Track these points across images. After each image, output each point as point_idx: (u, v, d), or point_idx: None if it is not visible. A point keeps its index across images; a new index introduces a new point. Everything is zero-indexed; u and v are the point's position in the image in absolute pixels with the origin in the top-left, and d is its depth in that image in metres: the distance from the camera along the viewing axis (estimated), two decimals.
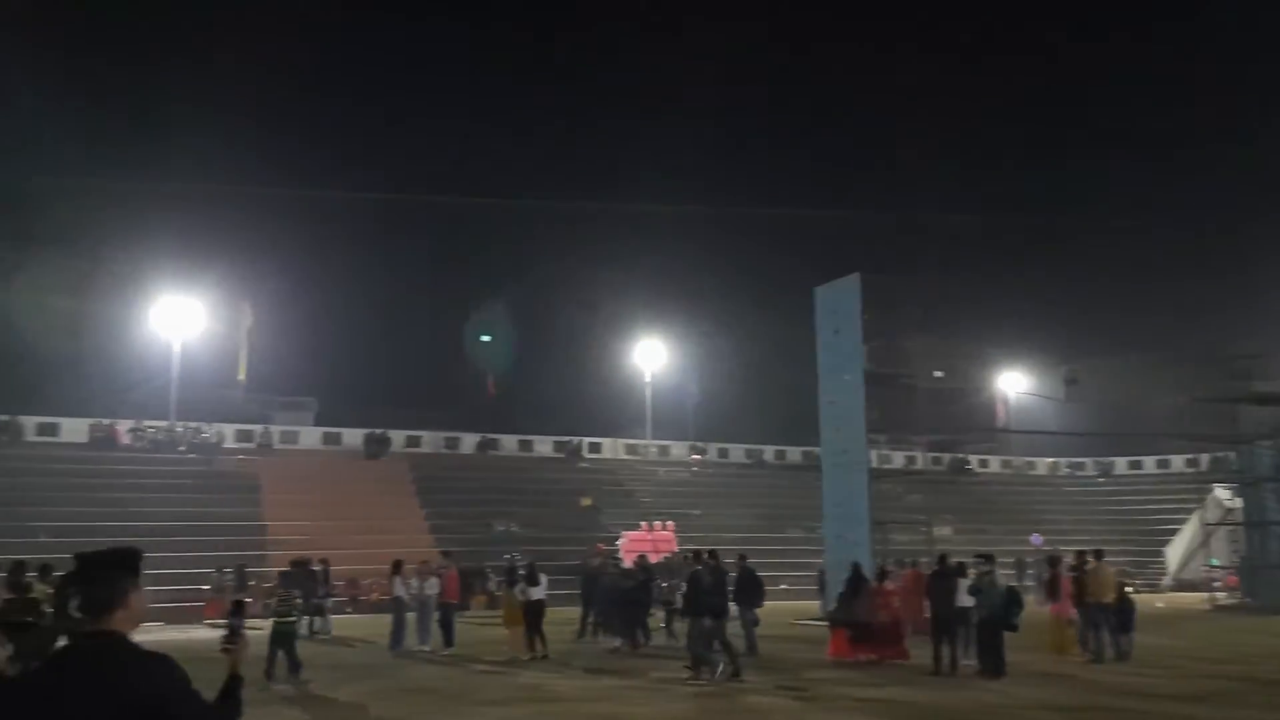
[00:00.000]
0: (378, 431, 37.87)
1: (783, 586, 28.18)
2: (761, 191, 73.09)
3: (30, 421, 33.03)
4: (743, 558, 19.00)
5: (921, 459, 38.12)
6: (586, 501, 35.95)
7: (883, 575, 18.19)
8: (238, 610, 3.66)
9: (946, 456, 44.14)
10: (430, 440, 39.44)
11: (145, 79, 69.89)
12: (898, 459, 39.66)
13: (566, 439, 41.60)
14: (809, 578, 27.64)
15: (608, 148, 72.86)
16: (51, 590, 13.25)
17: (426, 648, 18.19)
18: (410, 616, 18.65)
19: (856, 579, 17.47)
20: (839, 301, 24.52)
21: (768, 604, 18.50)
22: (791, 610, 23.71)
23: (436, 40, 75.91)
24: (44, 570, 13.45)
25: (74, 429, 33.61)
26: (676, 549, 28.46)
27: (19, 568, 12.59)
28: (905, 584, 19.08)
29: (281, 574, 16.32)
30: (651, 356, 44.50)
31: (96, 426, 33.81)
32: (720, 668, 14.07)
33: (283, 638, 14.32)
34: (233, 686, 3.25)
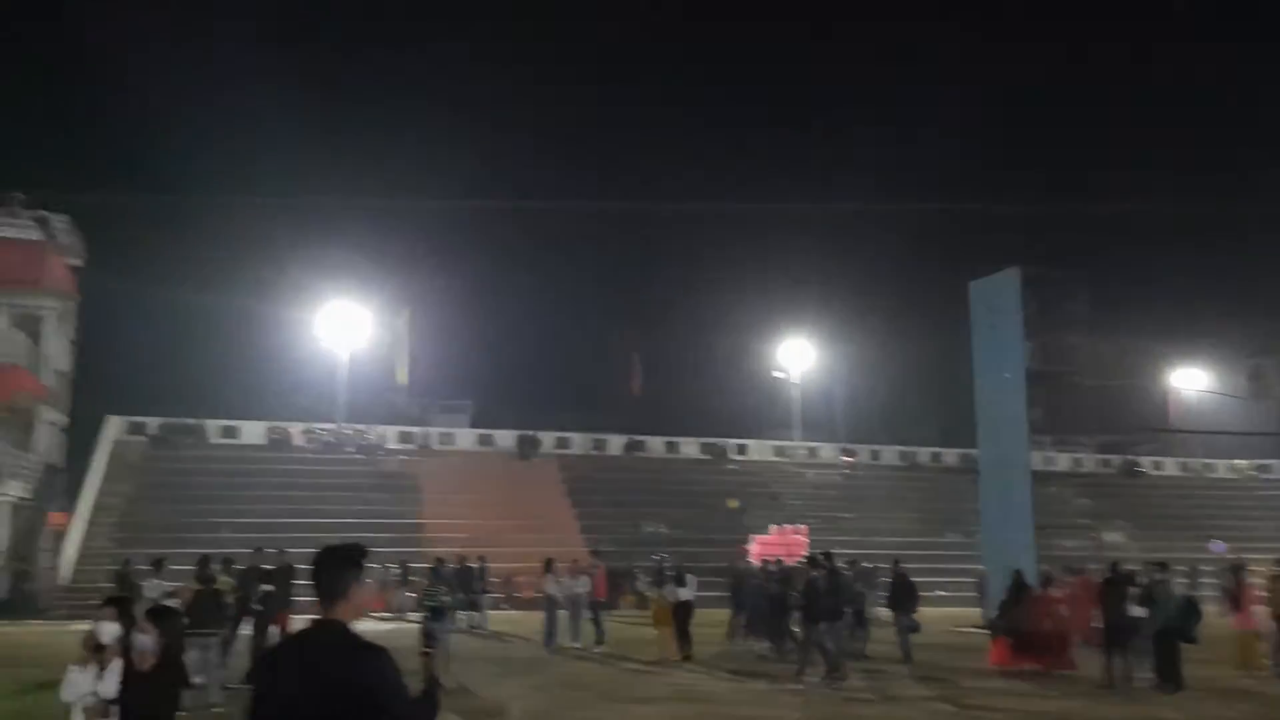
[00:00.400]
0: (529, 433, 38.83)
1: (939, 593, 27.26)
2: (913, 185, 71.14)
3: (214, 425, 35.45)
4: (897, 563, 18.50)
5: (1089, 461, 36.16)
6: (734, 503, 35.78)
7: (1047, 582, 17.32)
8: (437, 615, 3.97)
9: (1116, 458, 41.78)
10: (579, 442, 40.14)
11: (318, 101, 74.07)
12: (1063, 461, 37.70)
13: (713, 441, 41.53)
14: (967, 584, 26.63)
15: (754, 149, 72.60)
16: (235, 581, 14.23)
17: (579, 644, 18.49)
18: (562, 614, 19.01)
19: (1019, 586, 16.71)
20: (996, 297, 23.51)
21: (924, 611, 17.92)
22: (949, 617, 22.90)
23: (584, 50, 77.36)
24: (226, 563, 14.41)
25: (252, 431, 35.88)
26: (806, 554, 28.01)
27: (205, 561, 13.50)
28: (1073, 592, 18.10)
29: (429, 570, 16.93)
30: (799, 357, 43.88)
31: (273, 429, 35.96)
32: (832, 670, 13.96)
33: (428, 633, 14.75)
34: (431, 689, 3.53)
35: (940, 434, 43.64)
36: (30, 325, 31.95)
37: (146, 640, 4.88)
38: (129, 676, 4.91)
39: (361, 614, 3.45)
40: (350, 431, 36.61)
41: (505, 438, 39.00)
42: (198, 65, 69.46)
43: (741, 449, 41.86)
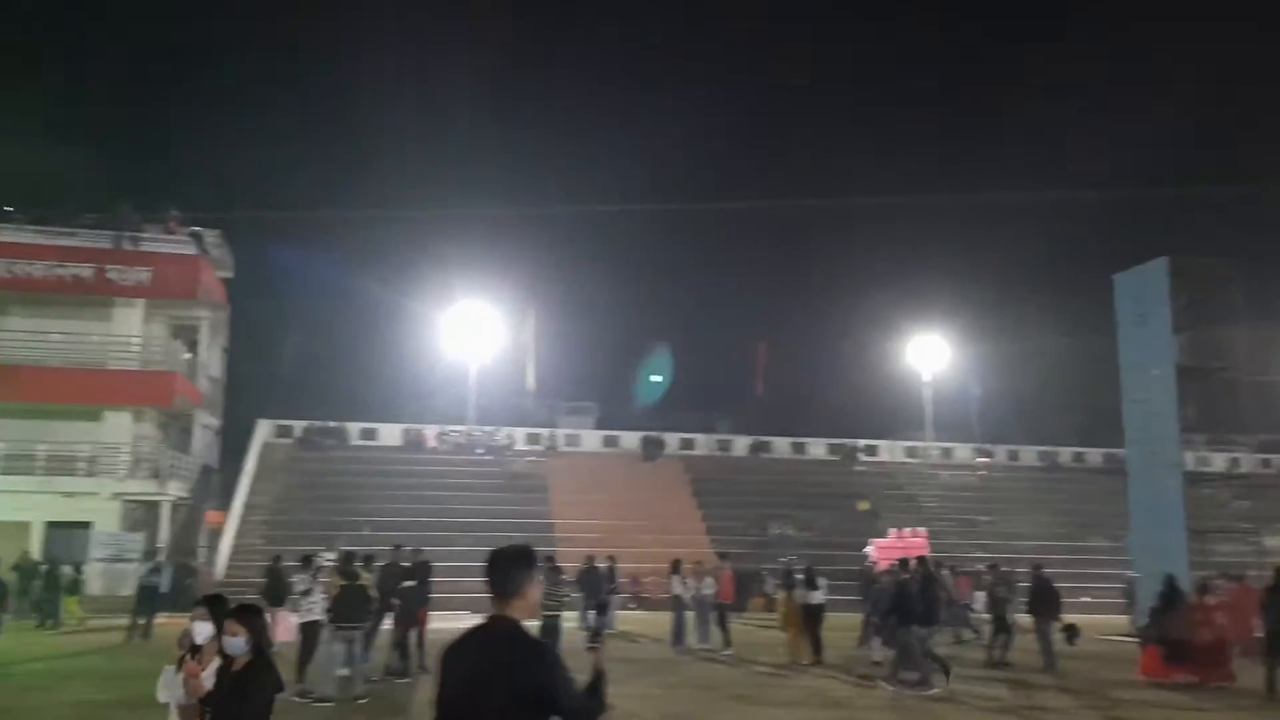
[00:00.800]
0: (653, 434, 39.01)
1: (1085, 599, 26.04)
2: (1049, 174, 68.29)
3: (354, 427, 36.97)
4: (1038, 567, 17.77)
5: (1247, 461, 33.91)
6: (864, 505, 35.06)
7: (1204, 589, 16.32)
8: (601, 610, 4.02)
9: (1278, 458, 39.09)
10: (704, 443, 40.11)
11: (444, 113, 76.39)
12: (1218, 461, 35.46)
13: (841, 441, 40.82)
14: (1115, 590, 25.37)
15: (883, 140, 71.05)
16: (376, 578, 14.78)
17: (706, 646, 18.45)
18: (689, 615, 19.00)
19: (1171, 592, 15.81)
20: (1144, 289, 22.28)
21: (1067, 618, 17.14)
22: (1095, 625, 21.85)
23: (710, 49, 77.38)
24: (368, 560, 14.98)
25: (390, 434, 37.25)
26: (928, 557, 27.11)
27: (349, 558, 14.06)
28: (1231, 599, 17.00)
29: (546, 570, 16.86)
30: (930, 354, 42.66)
31: (408, 431, 37.23)
32: (926, 677, 13.64)
33: (548, 631, 14.60)
34: (598, 682, 3.65)
35: (1082, 433, 41.74)
36: (187, 334, 34.02)
37: (238, 642, 4.76)
38: (220, 677, 4.86)
39: (534, 611, 3.64)
40: (480, 433, 37.56)
41: (630, 439, 39.31)
42: (330, 87, 72.73)
43: (871, 449, 41.00)
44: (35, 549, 26.76)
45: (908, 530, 29.91)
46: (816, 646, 16.62)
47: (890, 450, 41.32)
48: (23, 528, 27.56)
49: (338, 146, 78.26)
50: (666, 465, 37.94)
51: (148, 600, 20.01)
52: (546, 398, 45.29)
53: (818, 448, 40.88)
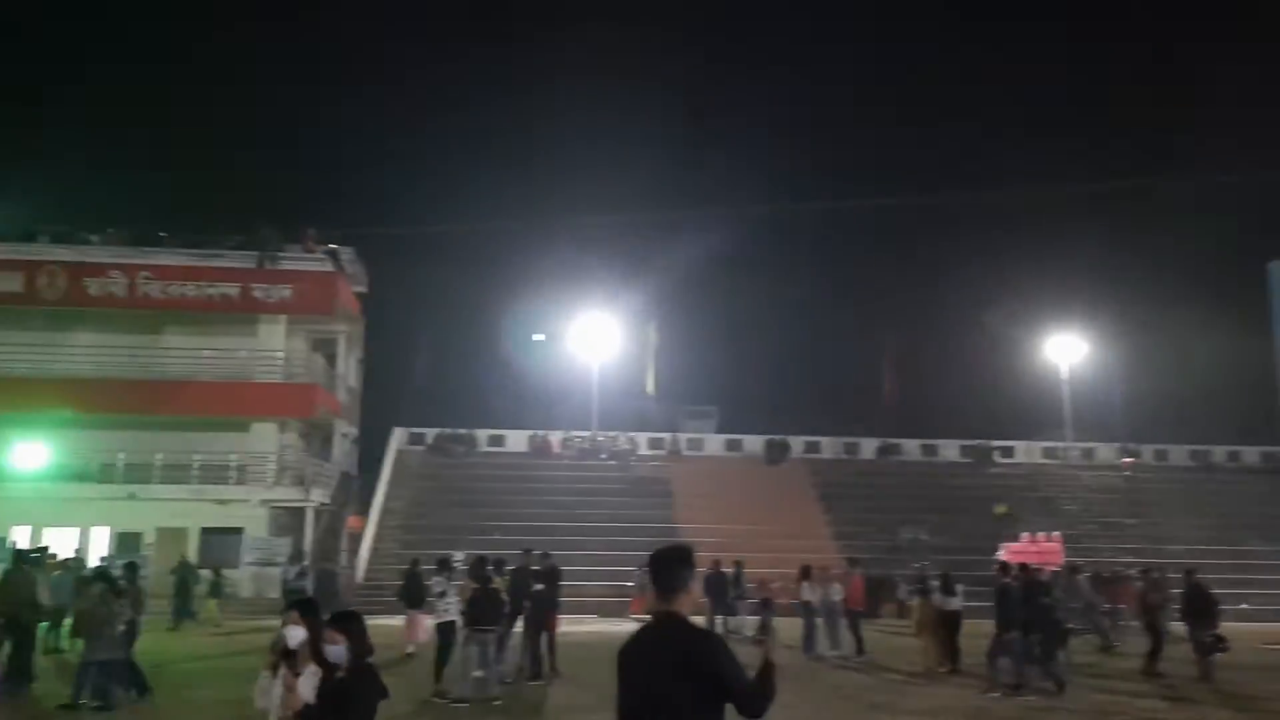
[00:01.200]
0: (777, 438, 38.58)
1: (1243, 606, 24.44)
2: (1190, 161, 64.54)
3: (483, 434, 37.90)
4: (1190, 573, 16.74)
5: None
6: (1001, 509, 33.77)
7: None
8: (766, 606, 4.15)
9: None
10: (829, 446, 39.44)
11: (564, 124, 77.72)
12: None
13: (975, 443, 39.49)
14: (1275, 596, 23.72)
15: (1013, 127, 68.56)
16: (507, 581, 15.06)
17: (838, 653, 18.11)
18: (819, 621, 18.69)
19: None
20: None
21: (1226, 626, 16.08)
22: (1256, 633, 20.48)
23: (835, 51, 76.39)
24: (499, 564, 15.29)
25: (516, 440, 38.03)
26: (1063, 562, 25.89)
27: (480, 562, 14.38)
28: None
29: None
30: (1068, 351, 40.83)
31: (534, 437, 37.93)
32: (1026, 682, 13.32)
33: None
34: (767, 672, 3.84)
35: (1237, 431, 39.24)
36: (326, 348, 35.56)
37: (339, 649, 4.61)
38: (321, 685, 4.72)
39: (696, 606, 3.91)
40: (604, 438, 37.93)
41: (753, 443, 38.98)
42: (456, 104, 74.91)
43: (1007, 451, 39.53)
44: (192, 554, 28.44)
45: (1041, 535, 28.76)
46: (953, 654, 16.09)
47: (1027, 451, 39.73)
48: (181, 533, 29.33)
49: (464, 161, 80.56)
50: (791, 469, 37.48)
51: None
52: (667, 402, 45.43)
53: (950, 450, 39.67)
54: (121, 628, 12.49)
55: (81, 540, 28.50)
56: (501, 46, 79.49)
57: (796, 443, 38.81)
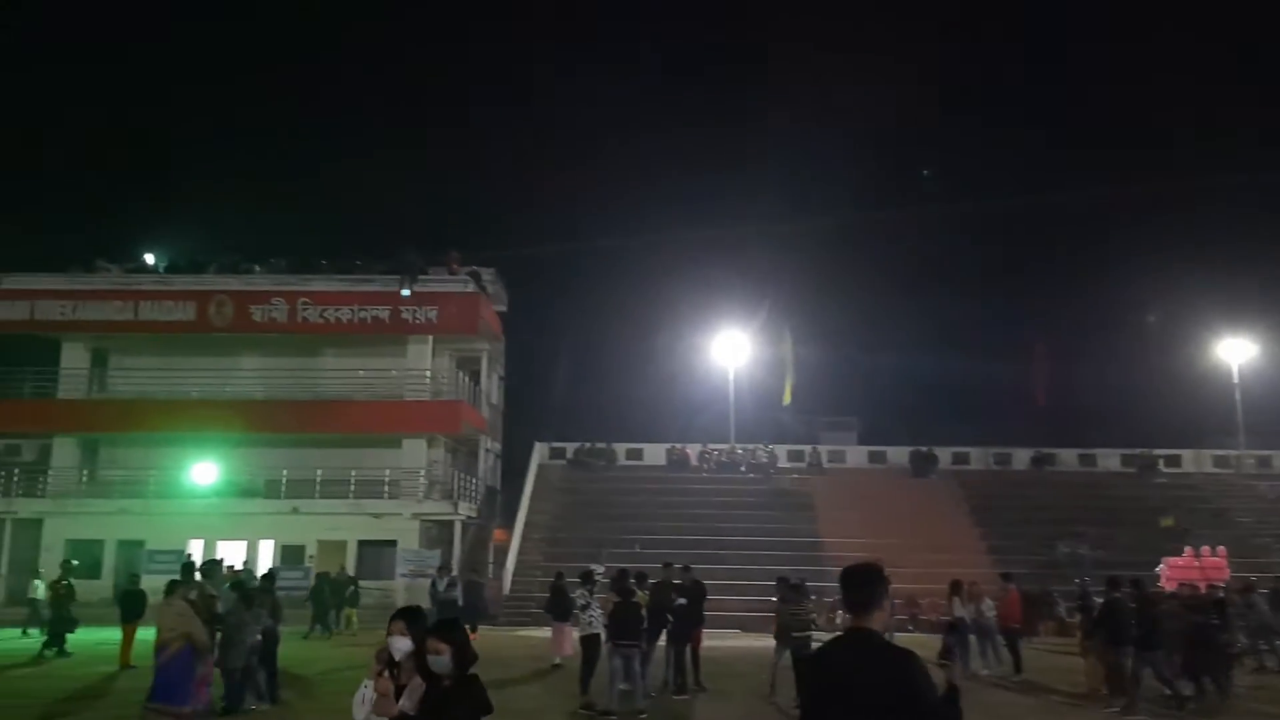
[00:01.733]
0: (923, 449, 37.45)
1: None
2: None
3: (621, 448, 38.26)
4: None
5: None
6: (1168, 521, 31.73)
7: None
8: (951, 630, 4.08)
9: None
10: (979, 456, 38.01)
11: (696, 135, 78.01)
12: None
13: (1137, 451, 37.30)
14: None
15: (1170, 111, 64.77)
16: (649, 595, 15.09)
17: (994, 671, 17.35)
18: (972, 639, 17.96)
19: None
20: None
21: None
22: None
23: (969, 51, 74.16)
24: (640, 578, 15.34)
25: (654, 453, 38.21)
26: (1230, 578, 24.00)
27: (623, 575, 14.47)
28: None
29: (791, 587, 15.61)
30: (1239, 352, 38.09)
31: (672, 450, 38.02)
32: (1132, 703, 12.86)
33: (795, 653, 13.72)
34: (953, 696, 3.85)
35: None
36: (470, 366, 36.69)
37: (442, 660, 4.52)
38: (425, 698, 4.63)
39: (888, 625, 3.93)
40: (742, 451, 37.66)
41: (898, 454, 37.96)
42: (588, 122, 76.27)
43: (1173, 460, 37.16)
44: (350, 565, 29.77)
45: (1205, 549, 26.91)
46: (1121, 672, 15.13)
47: (1196, 460, 37.25)
48: (340, 546, 30.76)
49: (597, 178, 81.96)
50: (939, 481, 36.28)
51: (449, 613, 21.62)
52: (806, 413, 44.75)
53: (1110, 459, 37.60)
54: (257, 636, 12.97)
55: (249, 552, 30.29)
56: (629, 60, 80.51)
57: (943, 454, 37.57)
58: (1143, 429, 38.75)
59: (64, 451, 33.14)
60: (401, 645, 4.91)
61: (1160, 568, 26.26)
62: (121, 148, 72.49)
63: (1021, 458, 37.79)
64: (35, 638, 21.47)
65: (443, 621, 4.82)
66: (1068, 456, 37.68)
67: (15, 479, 32.11)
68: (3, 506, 31.49)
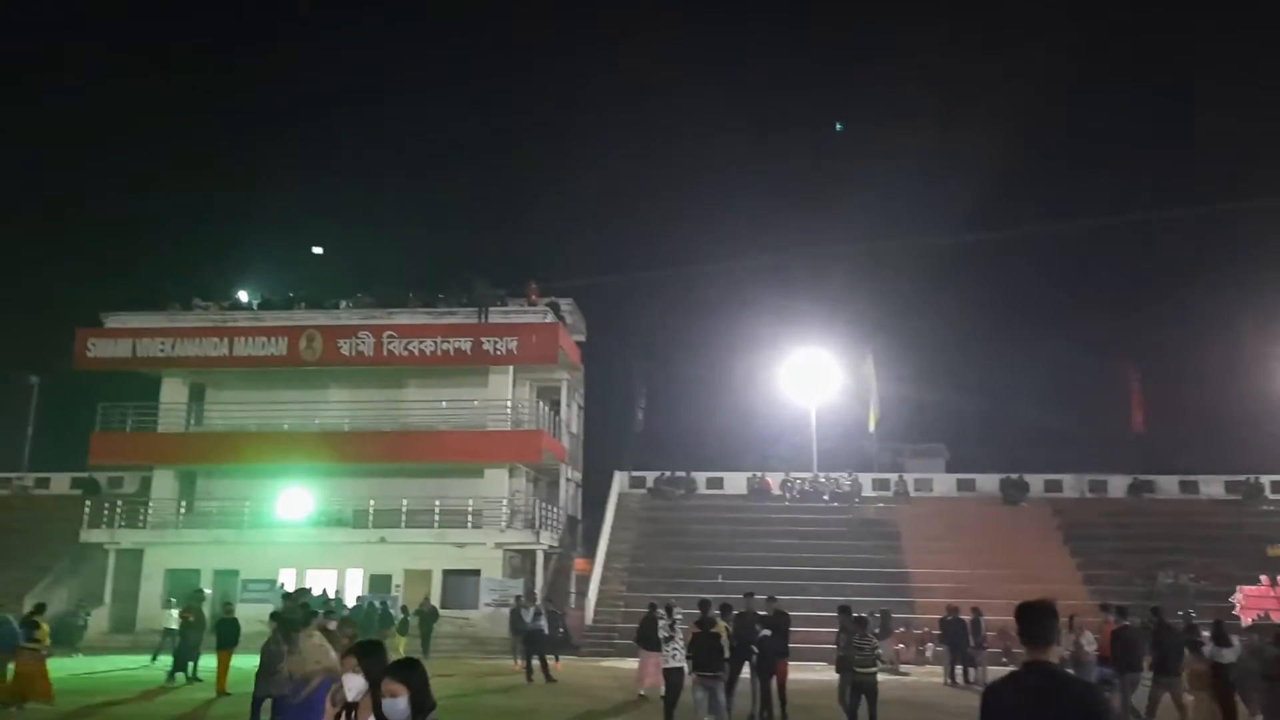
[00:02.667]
0: (1014, 476, 36.40)
1: None
2: None
3: (701, 476, 38.04)
4: None
5: None
6: (1276, 550, 30.20)
7: None
8: (1108, 663, 4.10)
9: None
10: (1072, 484, 36.79)
11: (772, 161, 77.91)
12: None
13: (1242, 478, 35.64)
14: None
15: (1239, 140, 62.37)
16: (731, 626, 14.90)
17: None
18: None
19: None
20: None
21: None
22: None
23: (1056, 62, 72.70)
24: (725, 609, 15.16)
25: (735, 482, 37.88)
26: None
27: (705, 606, 14.32)
28: None
29: (853, 619, 14.96)
30: None
31: (753, 479, 37.66)
32: None
33: (860, 689, 13.26)
34: None
35: None
36: (550, 395, 37.00)
37: (398, 704, 4.07)
38: None
39: (1060, 658, 4.04)
40: (824, 479, 37.11)
41: (987, 482, 36.96)
42: (662, 149, 76.69)
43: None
44: (435, 595, 30.14)
45: None
46: (1230, 711, 14.37)
47: None
48: (425, 575, 31.18)
49: (673, 207, 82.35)
50: (1031, 509, 35.18)
51: (537, 643, 21.67)
52: (890, 441, 43.94)
53: (1213, 485, 36.01)
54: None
55: (339, 581, 30.92)
56: (708, 86, 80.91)
57: (1035, 481, 36.46)
58: (1247, 455, 37.06)
59: (163, 483, 34.36)
60: (355, 685, 4.50)
61: (1235, 596, 25.22)
62: (214, 189, 75.61)
63: (1118, 485, 36.46)
64: (160, 666, 22.16)
65: (402, 660, 4.30)
66: (1167, 483, 36.21)
67: (119, 510, 33.39)
68: (106, 537, 32.75)
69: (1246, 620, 21.84)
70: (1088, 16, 71.01)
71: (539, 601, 25.00)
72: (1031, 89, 71.91)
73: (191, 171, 74.72)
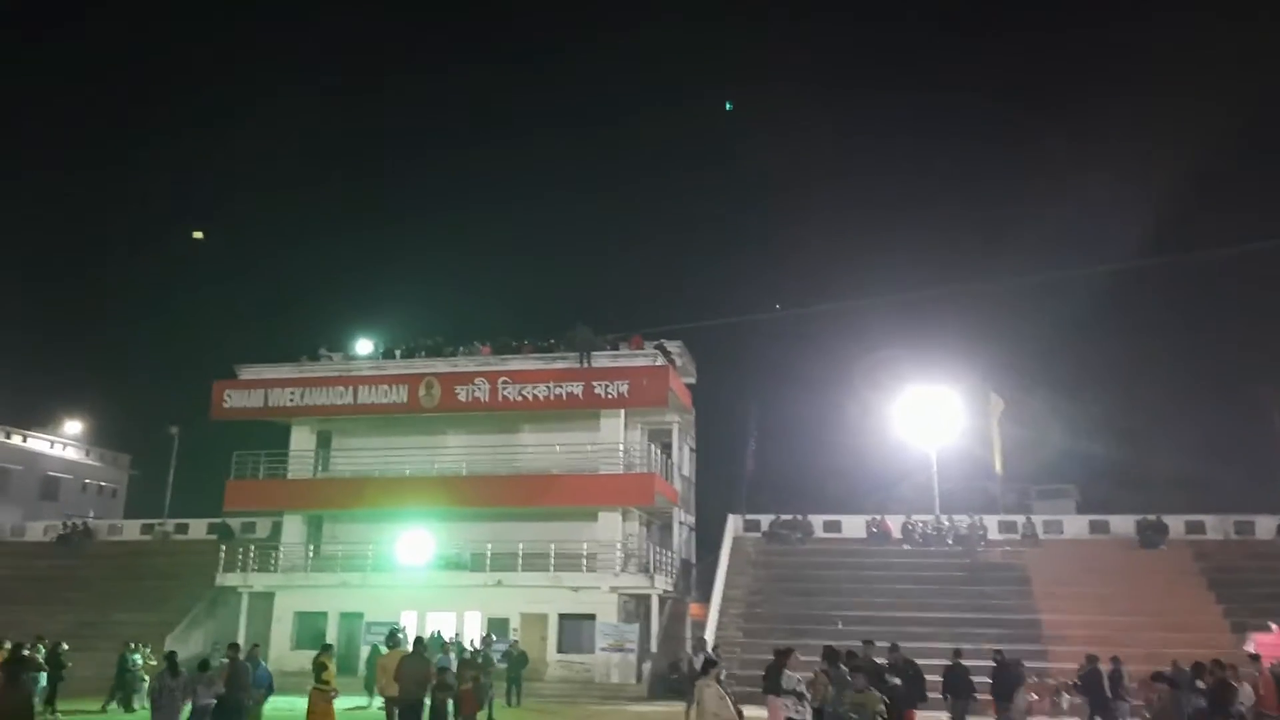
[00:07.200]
0: (1151, 517, 34.46)
1: None
2: None
3: (818, 520, 37.28)
4: None
5: None
6: None
7: None
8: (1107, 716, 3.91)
9: None
10: (1215, 525, 34.59)
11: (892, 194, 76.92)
12: None
13: None
14: None
15: None
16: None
17: None
18: None
19: None
20: None
21: None
22: None
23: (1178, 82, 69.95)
24: (850, 655, 14.76)
25: (853, 525, 36.97)
26: None
27: (832, 654, 13.98)
28: None
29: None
30: None
31: (872, 522, 36.68)
32: None
33: None
34: None
35: None
36: (661, 438, 36.99)
37: None
38: None
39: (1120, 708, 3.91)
40: (947, 522, 35.88)
41: (1123, 524, 35.08)
42: (764, 190, 76.55)
43: None
44: (551, 639, 30.27)
45: None
46: None
47: None
48: (541, 619, 31.39)
49: (778, 248, 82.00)
50: (1170, 552, 33.19)
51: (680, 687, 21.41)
52: (1016, 482, 42.27)
53: None
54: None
55: (458, 624, 31.38)
56: (820, 126, 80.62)
57: (1174, 522, 34.44)
58: None
59: (293, 528, 35.68)
60: None
61: (1248, 645, 23.40)
62: (340, 249, 79.02)
63: (1266, 525, 34.12)
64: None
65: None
66: None
67: (252, 554, 34.80)
68: (240, 580, 34.14)
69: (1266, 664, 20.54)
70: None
71: (709, 649, 24.46)
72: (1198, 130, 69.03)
73: (323, 231, 78.37)
